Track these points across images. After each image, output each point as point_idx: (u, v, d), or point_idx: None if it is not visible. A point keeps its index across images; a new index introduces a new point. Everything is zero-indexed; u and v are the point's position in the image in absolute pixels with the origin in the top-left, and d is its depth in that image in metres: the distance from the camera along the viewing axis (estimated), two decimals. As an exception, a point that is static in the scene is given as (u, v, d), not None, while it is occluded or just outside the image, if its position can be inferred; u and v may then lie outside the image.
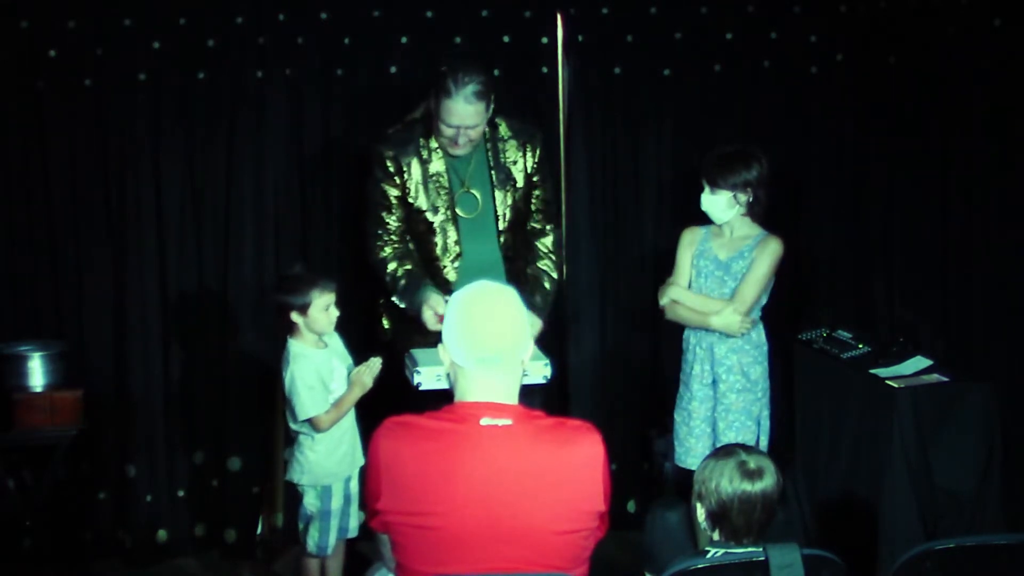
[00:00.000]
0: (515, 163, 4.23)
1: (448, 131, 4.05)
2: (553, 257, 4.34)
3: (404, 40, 4.73)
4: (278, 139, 4.71)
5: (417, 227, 4.21)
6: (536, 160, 4.27)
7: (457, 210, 4.19)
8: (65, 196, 4.60)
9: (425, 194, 4.17)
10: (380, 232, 4.22)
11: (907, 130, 4.98)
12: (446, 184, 4.17)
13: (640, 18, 4.87)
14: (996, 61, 4.64)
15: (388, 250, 4.21)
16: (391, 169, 4.16)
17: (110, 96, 4.57)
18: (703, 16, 4.91)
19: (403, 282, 4.16)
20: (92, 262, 4.64)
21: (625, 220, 4.98)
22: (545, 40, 4.80)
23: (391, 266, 4.19)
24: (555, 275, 4.33)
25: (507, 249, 4.25)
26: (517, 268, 4.28)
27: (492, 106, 4.09)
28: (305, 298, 3.92)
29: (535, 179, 4.29)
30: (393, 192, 4.18)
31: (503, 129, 4.23)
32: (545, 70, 4.82)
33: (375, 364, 4.02)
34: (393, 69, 4.75)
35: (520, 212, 4.27)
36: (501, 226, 4.23)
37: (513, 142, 4.24)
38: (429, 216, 4.18)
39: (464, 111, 4.00)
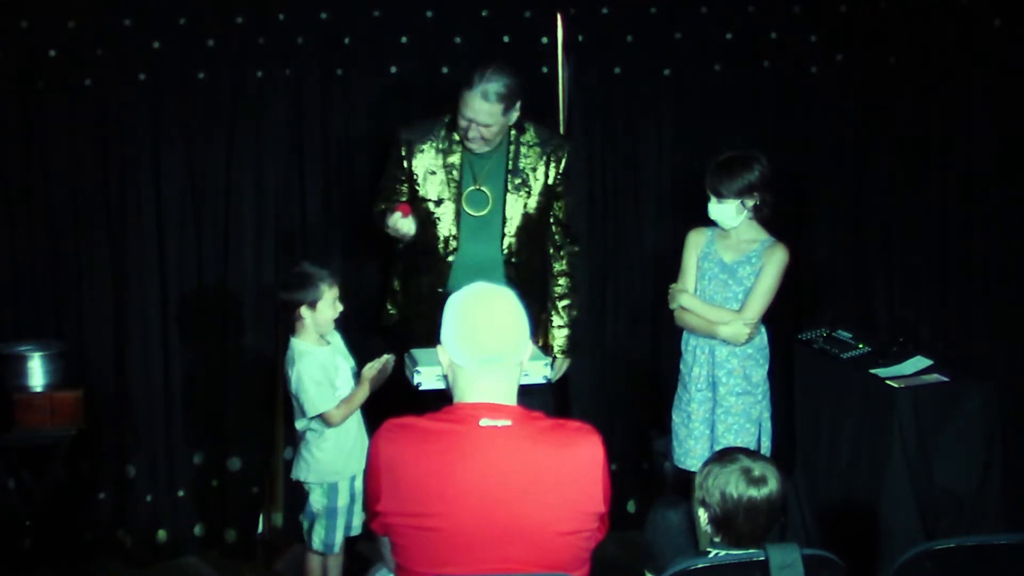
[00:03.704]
0: (534, 170, 4.24)
1: (462, 122, 4.08)
2: (568, 300, 4.40)
3: (404, 40, 4.74)
4: (278, 139, 4.71)
5: (419, 215, 4.22)
6: (560, 172, 4.28)
7: (464, 206, 4.20)
8: (65, 196, 4.60)
9: (434, 184, 4.18)
10: (384, 200, 4.23)
11: (907, 130, 4.98)
12: (457, 178, 4.19)
13: (640, 18, 4.87)
14: (996, 61, 4.65)
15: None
16: (402, 153, 4.21)
17: (110, 96, 4.57)
18: (703, 16, 4.91)
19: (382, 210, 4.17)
20: (92, 262, 4.64)
21: (625, 220, 4.98)
22: (545, 40, 4.80)
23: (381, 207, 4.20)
24: (567, 317, 4.40)
25: (510, 254, 4.26)
26: (534, 288, 4.31)
27: (515, 112, 4.10)
28: (316, 293, 3.93)
29: (558, 190, 4.30)
30: (400, 175, 4.22)
31: (530, 135, 4.25)
32: (545, 70, 4.83)
33: (388, 361, 4.01)
34: (393, 69, 4.75)
35: (532, 220, 4.27)
36: (507, 229, 4.24)
37: (537, 149, 4.24)
38: (431, 207, 4.20)
39: (479, 106, 4.01)
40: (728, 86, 4.96)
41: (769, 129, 4.96)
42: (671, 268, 4.38)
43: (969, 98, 4.76)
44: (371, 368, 3.99)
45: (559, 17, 4.78)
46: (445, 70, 4.74)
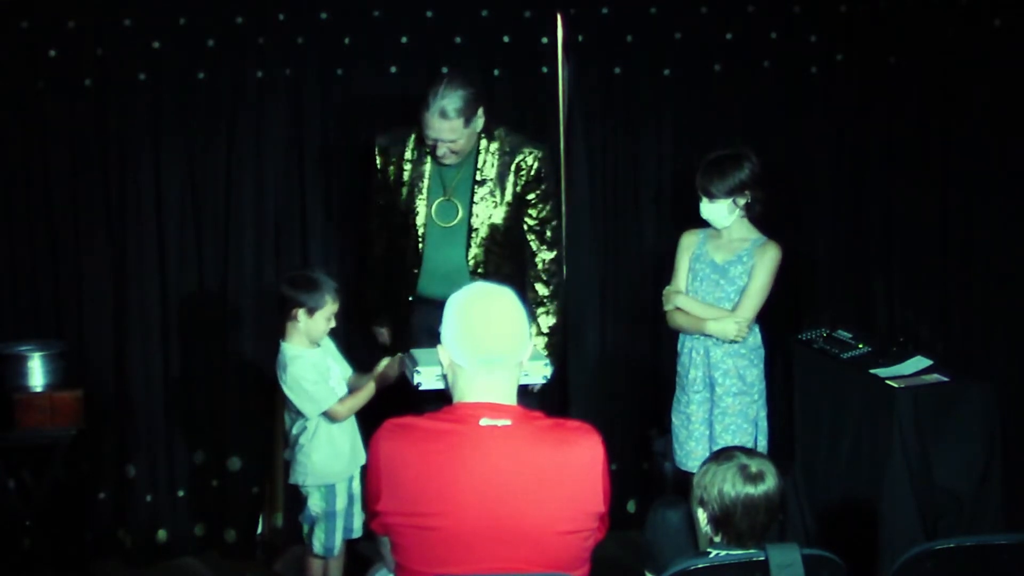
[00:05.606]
0: (502, 179, 4.17)
1: (428, 140, 4.05)
2: (544, 307, 4.28)
3: (404, 40, 4.74)
4: (278, 139, 4.71)
5: (394, 222, 4.23)
6: (529, 178, 4.18)
7: (434, 217, 4.18)
8: (65, 196, 4.61)
9: (407, 195, 4.17)
10: (374, 228, 4.32)
11: (907, 130, 4.98)
12: (426, 189, 4.16)
13: (640, 18, 4.87)
14: (996, 61, 4.64)
15: (381, 251, 4.33)
16: (380, 161, 4.21)
17: (110, 96, 4.57)
18: (703, 16, 4.90)
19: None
20: (92, 262, 4.64)
21: (625, 220, 4.98)
22: (545, 40, 4.80)
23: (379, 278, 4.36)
24: (543, 325, 4.29)
25: (476, 264, 4.20)
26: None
27: (480, 119, 4.07)
28: (320, 300, 3.91)
29: (529, 198, 4.20)
30: (382, 184, 4.22)
31: (500, 143, 4.18)
32: (545, 70, 4.82)
33: (394, 363, 4.00)
34: (393, 69, 4.75)
35: (499, 230, 4.20)
36: (472, 240, 4.18)
37: (506, 158, 4.18)
38: (402, 217, 4.20)
39: (438, 125, 3.98)
40: (728, 86, 4.96)
41: (769, 129, 4.96)
42: (670, 269, 4.38)
43: (969, 98, 4.75)
44: (381, 365, 3.99)
45: (559, 17, 4.78)
46: (445, 70, 4.73)
